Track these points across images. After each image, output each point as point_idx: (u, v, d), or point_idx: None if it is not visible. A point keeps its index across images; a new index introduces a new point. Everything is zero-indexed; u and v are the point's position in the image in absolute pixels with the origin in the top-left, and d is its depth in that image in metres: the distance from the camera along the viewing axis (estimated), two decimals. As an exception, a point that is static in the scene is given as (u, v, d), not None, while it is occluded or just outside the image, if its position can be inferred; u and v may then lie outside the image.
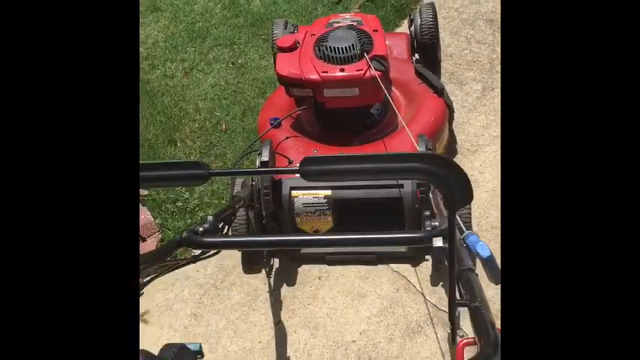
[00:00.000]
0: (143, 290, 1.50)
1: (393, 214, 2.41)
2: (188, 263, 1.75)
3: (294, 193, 2.42)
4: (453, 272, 1.41)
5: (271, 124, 2.72)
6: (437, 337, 2.30)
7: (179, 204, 2.81)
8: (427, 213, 2.23)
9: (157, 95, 3.42)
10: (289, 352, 2.31)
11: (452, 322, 1.43)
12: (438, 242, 1.60)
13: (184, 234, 1.63)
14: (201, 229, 1.65)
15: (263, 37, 3.75)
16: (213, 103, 3.38)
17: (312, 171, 1.30)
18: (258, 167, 2.33)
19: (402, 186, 2.39)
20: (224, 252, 2.53)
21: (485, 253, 1.37)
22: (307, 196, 2.41)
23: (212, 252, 1.75)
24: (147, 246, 2.58)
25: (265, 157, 2.30)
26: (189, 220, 2.76)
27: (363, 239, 1.73)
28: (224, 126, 3.24)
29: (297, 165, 1.29)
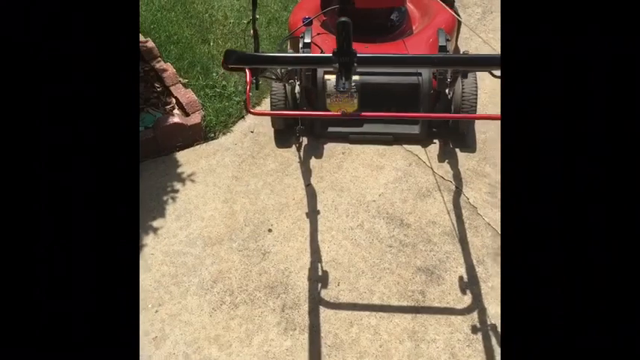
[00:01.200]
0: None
1: (410, 99, 2.83)
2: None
3: (326, 76, 2.80)
4: None
5: (303, 22, 3.08)
6: (443, 200, 2.74)
7: (217, 89, 3.17)
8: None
9: (188, 2, 3.74)
10: (319, 207, 2.72)
11: None
12: None
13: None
14: None
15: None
16: (240, 13, 3.71)
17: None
18: (302, 49, 2.69)
19: (420, 74, 2.80)
20: (259, 130, 2.93)
21: None
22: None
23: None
24: (192, 119, 2.94)
25: (308, 39, 2.68)
26: (226, 103, 3.12)
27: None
28: (252, 32, 3.58)
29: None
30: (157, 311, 2.35)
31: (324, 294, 2.41)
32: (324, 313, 2.35)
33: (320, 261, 2.51)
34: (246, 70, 1.56)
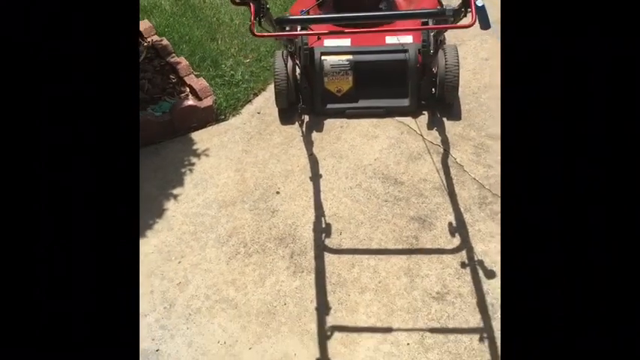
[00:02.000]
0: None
1: (399, 74, 3.15)
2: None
3: (323, 57, 3.13)
4: None
5: (301, 14, 3.43)
6: (433, 161, 3.03)
7: (226, 78, 3.51)
8: None
9: (197, 8, 4.12)
10: (321, 171, 3.02)
11: None
12: None
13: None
14: None
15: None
16: (244, 17, 4.08)
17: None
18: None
19: (407, 51, 3.12)
20: (265, 111, 3.26)
21: (479, 3, 1.84)
22: (334, 57, 3.14)
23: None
24: (204, 102, 3.28)
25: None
26: (234, 89, 3.46)
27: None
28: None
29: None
30: (179, 262, 2.65)
31: (328, 242, 2.70)
32: (328, 257, 2.64)
33: (323, 215, 2.81)
34: (250, 5, 1.87)
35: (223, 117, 3.33)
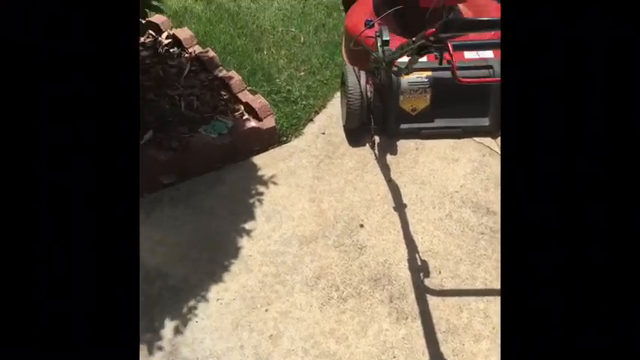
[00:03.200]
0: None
1: (481, 91, 2.91)
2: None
3: (405, 77, 2.87)
4: None
5: (366, 25, 3.15)
6: (523, 187, 2.81)
7: (283, 94, 3.21)
8: None
9: (234, 15, 3.79)
10: (405, 200, 2.77)
11: None
12: None
13: None
14: None
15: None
16: (285, 22, 3.78)
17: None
18: (380, 46, 2.75)
19: (491, 67, 2.88)
20: (330, 131, 2.99)
21: None
22: (412, 75, 2.88)
23: None
24: (266, 123, 2.98)
25: (387, 37, 2.74)
26: (294, 107, 3.17)
27: None
28: (302, 39, 3.65)
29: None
30: (266, 310, 2.36)
31: (428, 282, 2.45)
32: (432, 300, 2.39)
33: (417, 251, 2.55)
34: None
35: (285, 138, 3.04)
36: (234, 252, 2.56)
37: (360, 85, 2.89)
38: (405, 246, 2.58)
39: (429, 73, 2.88)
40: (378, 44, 2.75)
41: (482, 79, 2.72)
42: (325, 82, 3.32)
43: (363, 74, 2.95)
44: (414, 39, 1.97)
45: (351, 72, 2.94)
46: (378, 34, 2.79)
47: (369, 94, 2.94)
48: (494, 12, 3.19)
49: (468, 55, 2.94)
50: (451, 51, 1.89)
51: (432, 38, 1.72)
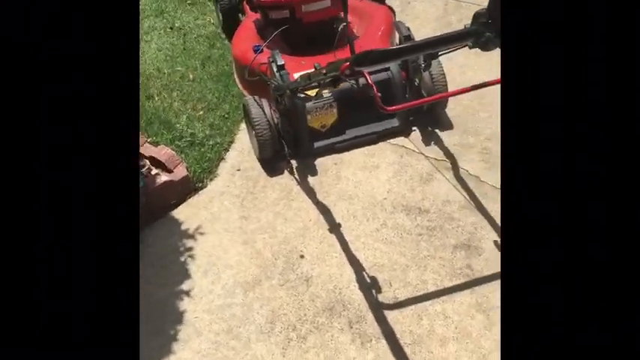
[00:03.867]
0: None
1: (384, 94, 2.91)
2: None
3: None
4: None
5: (255, 51, 3.08)
6: (446, 178, 2.84)
7: (187, 139, 3.07)
8: None
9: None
10: (338, 219, 2.72)
11: None
12: None
13: None
14: None
15: (189, 2, 4.03)
16: (169, 63, 3.63)
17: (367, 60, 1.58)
18: (277, 72, 2.69)
19: (388, 69, 2.90)
20: (245, 165, 2.90)
21: None
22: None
23: None
24: (178, 174, 2.83)
25: (281, 61, 2.68)
26: (202, 149, 3.04)
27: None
28: (191, 76, 3.52)
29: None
30: (229, 371, 2.24)
31: (382, 298, 2.42)
32: (390, 315, 2.36)
33: (363, 269, 2.52)
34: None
35: (201, 184, 2.91)
36: (178, 317, 2.41)
37: (265, 114, 2.82)
38: (350, 266, 2.53)
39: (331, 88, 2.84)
40: (274, 70, 2.69)
41: (422, 100, 2.66)
42: (227, 116, 3.21)
43: (265, 102, 2.87)
44: (323, 70, 1.91)
45: (252, 103, 2.86)
46: (271, 59, 2.73)
47: (275, 120, 2.87)
48: (377, 18, 3.21)
49: None
50: (370, 81, 1.86)
51: (347, 72, 1.67)
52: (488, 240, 2.56)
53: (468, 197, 2.74)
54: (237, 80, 3.39)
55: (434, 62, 2.93)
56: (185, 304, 2.46)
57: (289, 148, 2.91)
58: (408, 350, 2.24)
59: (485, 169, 2.85)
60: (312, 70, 2.79)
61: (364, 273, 2.50)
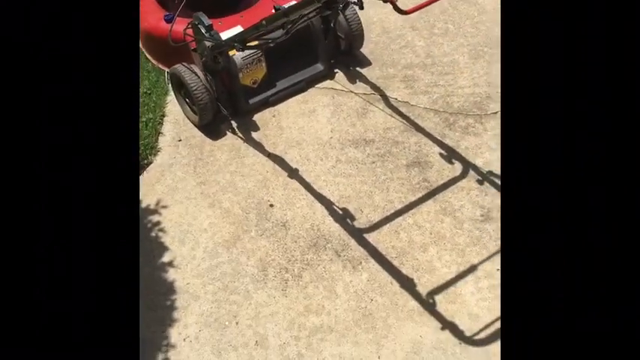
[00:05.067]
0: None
1: (305, 42, 3.03)
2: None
3: (231, 52, 2.85)
4: None
5: (167, 21, 3.04)
6: (379, 109, 3.03)
7: (118, 120, 2.98)
8: None
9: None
10: (293, 165, 2.81)
11: None
12: None
13: None
14: None
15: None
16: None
17: None
18: (206, 32, 2.69)
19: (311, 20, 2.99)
20: (185, 135, 2.90)
21: None
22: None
23: None
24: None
25: (209, 22, 2.68)
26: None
27: None
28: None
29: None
30: (237, 323, 2.29)
31: (357, 224, 2.57)
32: (370, 237, 2.52)
33: (332, 203, 2.65)
34: None
35: (145, 161, 2.85)
36: (169, 288, 2.40)
37: (200, 79, 2.81)
38: (319, 204, 2.65)
39: (257, 42, 2.90)
40: (203, 32, 2.69)
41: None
42: (149, 92, 3.15)
43: (195, 67, 2.86)
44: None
45: (184, 70, 2.83)
46: (196, 22, 2.71)
47: (211, 83, 2.88)
48: None
49: None
50: None
51: None
52: (434, 154, 2.80)
53: (404, 121, 2.95)
54: (148, 56, 3.31)
55: (348, 11, 3.07)
56: (172, 274, 2.44)
57: (227, 109, 2.94)
58: (396, 262, 2.42)
59: (412, 94, 3.07)
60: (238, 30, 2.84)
61: (334, 207, 2.63)
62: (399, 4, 1.89)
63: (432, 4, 1.96)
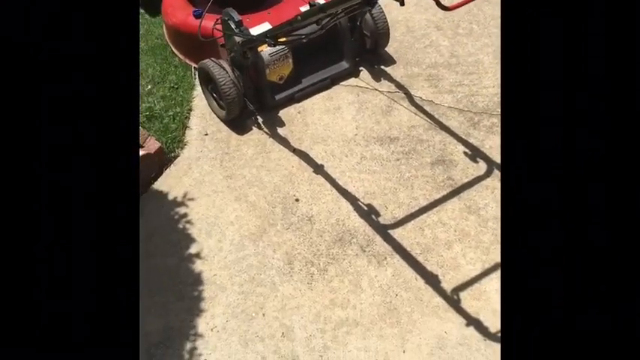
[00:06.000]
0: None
1: (332, 40, 3.06)
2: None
3: (260, 48, 2.89)
4: None
5: (196, 16, 3.08)
6: (404, 107, 3.05)
7: (145, 114, 3.02)
8: None
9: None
10: (318, 161, 2.84)
11: None
12: None
13: None
14: None
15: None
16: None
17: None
18: (236, 29, 2.72)
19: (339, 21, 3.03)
20: (211, 129, 2.93)
21: None
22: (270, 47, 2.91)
23: None
24: (151, 146, 2.79)
25: (238, 18, 2.72)
26: (163, 121, 3.01)
27: None
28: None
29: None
30: (264, 314, 2.32)
31: (382, 220, 2.59)
32: (395, 233, 2.54)
33: (357, 199, 2.67)
34: None
35: (173, 154, 2.89)
36: (196, 279, 2.43)
37: (228, 74, 2.85)
38: (344, 199, 2.68)
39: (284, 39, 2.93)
40: (233, 27, 2.72)
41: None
42: (176, 86, 3.19)
43: (223, 62, 2.90)
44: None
45: (213, 65, 2.87)
46: (226, 17, 2.75)
47: (239, 79, 2.91)
48: None
49: (304, 8, 3.03)
50: None
51: None
52: (459, 152, 2.82)
53: (429, 120, 2.97)
54: (175, 51, 3.35)
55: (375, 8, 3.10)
56: (199, 266, 2.48)
57: (253, 104, 2.97)
58: (420, 259, 2.44)
59: (436, 92, 3.09)
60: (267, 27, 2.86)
61: (359, 202, 2.66)
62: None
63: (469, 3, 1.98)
